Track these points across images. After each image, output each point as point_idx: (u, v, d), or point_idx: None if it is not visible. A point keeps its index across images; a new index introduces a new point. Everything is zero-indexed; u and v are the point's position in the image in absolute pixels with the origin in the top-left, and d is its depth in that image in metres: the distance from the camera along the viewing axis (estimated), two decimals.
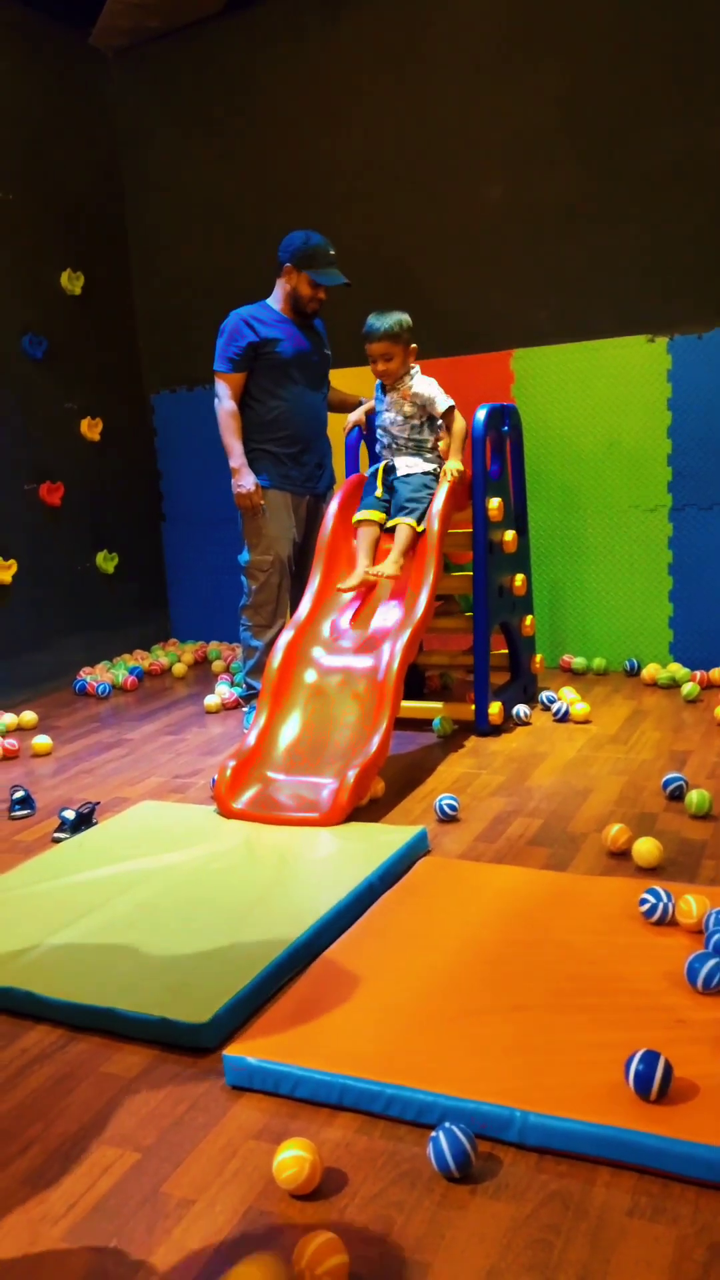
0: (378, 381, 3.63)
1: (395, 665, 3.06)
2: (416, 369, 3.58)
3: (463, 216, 4.49)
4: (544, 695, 3.84)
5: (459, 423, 3.54)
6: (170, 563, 5.53)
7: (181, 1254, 1.33)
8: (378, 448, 3.69)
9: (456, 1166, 1.41)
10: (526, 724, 3.65)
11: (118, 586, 5.20)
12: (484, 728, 3.54)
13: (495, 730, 3.56)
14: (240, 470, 3.60)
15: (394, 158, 4.61)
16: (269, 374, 3.62)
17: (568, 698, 3.77)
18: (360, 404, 3.93)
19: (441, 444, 3.60)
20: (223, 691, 4.29)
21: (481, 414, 3.58)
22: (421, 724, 3.65)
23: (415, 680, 3.99)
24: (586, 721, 3.63)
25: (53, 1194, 1.46)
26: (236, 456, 3.61)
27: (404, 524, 3.42)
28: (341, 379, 4.02)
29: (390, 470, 3.59)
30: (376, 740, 2.90)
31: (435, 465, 3.57)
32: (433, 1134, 1.44)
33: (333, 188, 4.72)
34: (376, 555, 3.45)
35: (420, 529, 3.42)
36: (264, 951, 2.01)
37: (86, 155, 5.09)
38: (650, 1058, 1.50)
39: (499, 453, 3.73)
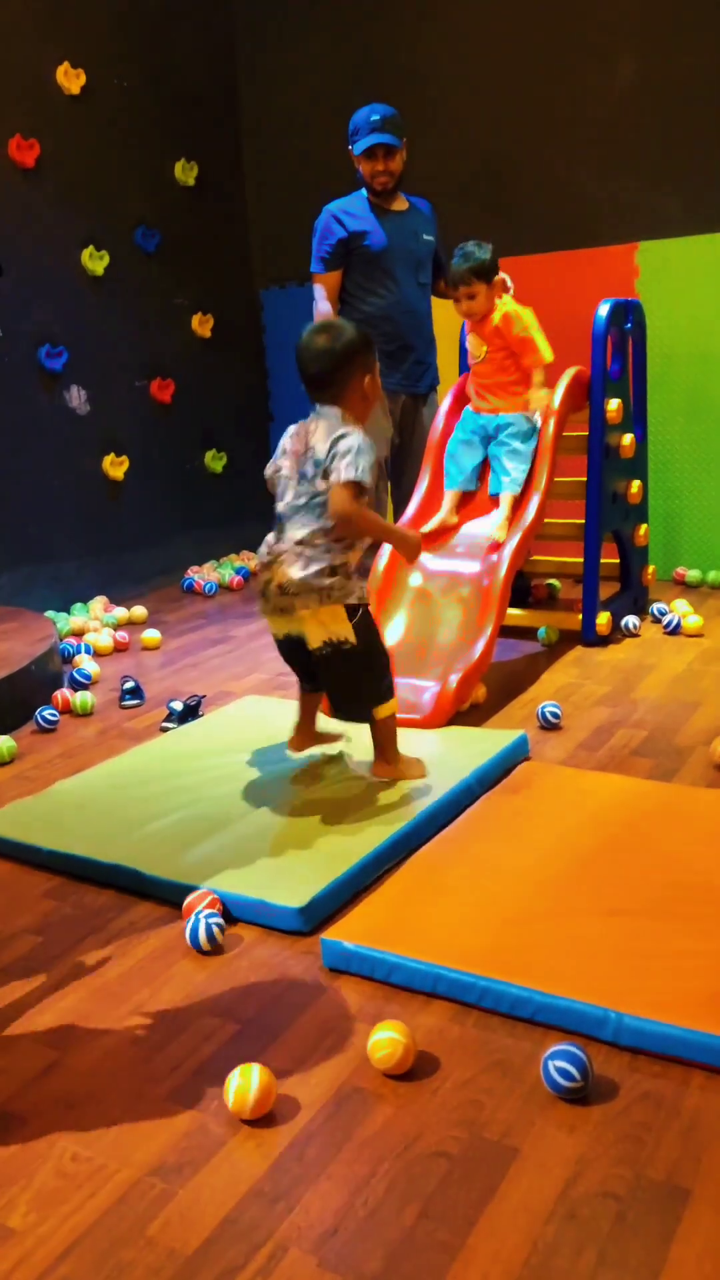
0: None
1: (503, 570, 3.01)
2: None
3: (587, 96, 4.23)
4: (655, 607, 3.73)
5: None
6: None
7: (279, 1120, 1.38)
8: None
9: (580, 1075, 1.36)
10: (635, 636, 3.56)
11: (225, 486, 5.22)
12: (591, 638, 3.47)
13: (602, 641, 3.49)
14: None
15: (516, 34, 4.34)
16: (362, 269, 3.52)
17: (680, 610, 3.65)
18: None
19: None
20: None
21: (603, 309, 3.41)
22: (526, 633, 3.59)
23: (521, 589, 3.92)
24: (699, 635, 3.52)
25: (158, 1055, 1.53)
26: None
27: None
28: None
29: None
30: (481, 645, 2.87)
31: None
32: (548, 1059, 1.39)
33: (451, 72, 4.49)
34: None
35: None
36: (361, 843, 2.04)
37: (202, 42, 4.95)
38: None
39: (620, 352, 3.56)
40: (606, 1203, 1.21)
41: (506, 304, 3.26)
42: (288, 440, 2.23)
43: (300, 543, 2.12)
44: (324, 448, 2.12)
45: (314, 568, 2.10)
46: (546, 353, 3.24)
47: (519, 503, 3.19)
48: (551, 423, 3.29)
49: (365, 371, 2.18)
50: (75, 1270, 1.17)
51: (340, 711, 2.40)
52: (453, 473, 3.34)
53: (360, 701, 2.27)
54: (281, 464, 2.22)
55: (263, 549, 2.22)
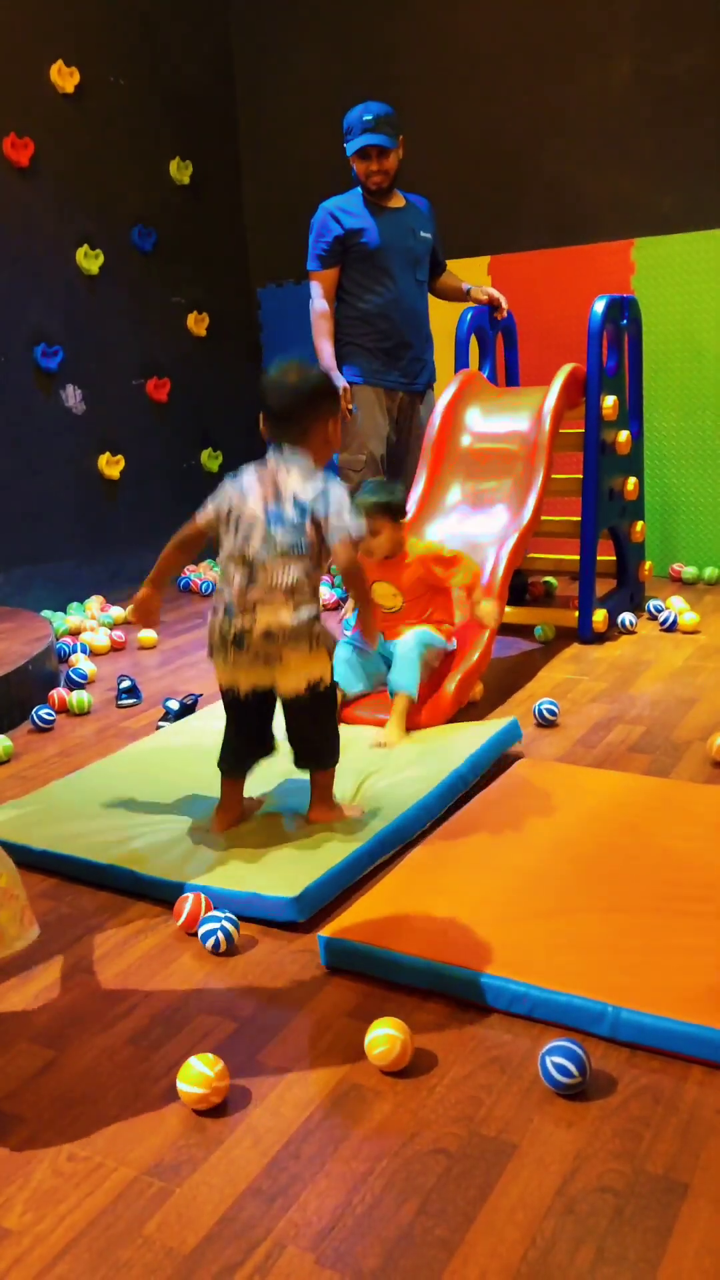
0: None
1: (501, 569, 3.00)
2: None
3: (585, 94, 4.23)
4: (651, 604, 3.73)
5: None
6: None
7: (276, 1118, 1.38)
8: None
9: (578, 1071, 1.36)
10: (632, 632, 3.56)
11: None
12: (587, 635, 3.47)
13: (599, 638, 3.49)
14: (329, 373, 3.54)
15: (513, 33, 4.34)
16: (359, 266, 3.52)
17: (676, 606, 3.66)
18: (467, 290, 3.76)
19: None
20: (322, 593, 4.29)
21: (599, 306, 3.41)
22: (523, 630, 3.59)
23: (518, 587, 3.92)
24: (695, 632, 3.53)
25: (155, 1054, 1.53)
26: (325, 359, 3.56)
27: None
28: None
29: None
30: (479, 644, 2.87)
31: None
32: (546, 1055, 1.39)
33: (450, 70, 4.49)
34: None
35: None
36: (354, 836, 2.05)
37: (198, 40, 4.95)
38: None
39: (616, 348, 3.56)
40: (605, 1198, 1.21)
41: (417, 546, 2.88)
42: (250, 484, 2.07)
43: (290, 589, 2.00)
44: (307, 491, 2.03)
45: (305, 613, 2.00)
46: (471, 563, 2.83)
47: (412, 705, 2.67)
48: (548, 422, 3.29)
49: (330, 417, 2.13)
50: (72, 1269, 1.16)
51: (306, 760, 2.19)
52: (342, 674, 2.80)
53: (329, 745, 2.16)
54: (245, 509, 2.05)
55: (227, 596, 2.03)
